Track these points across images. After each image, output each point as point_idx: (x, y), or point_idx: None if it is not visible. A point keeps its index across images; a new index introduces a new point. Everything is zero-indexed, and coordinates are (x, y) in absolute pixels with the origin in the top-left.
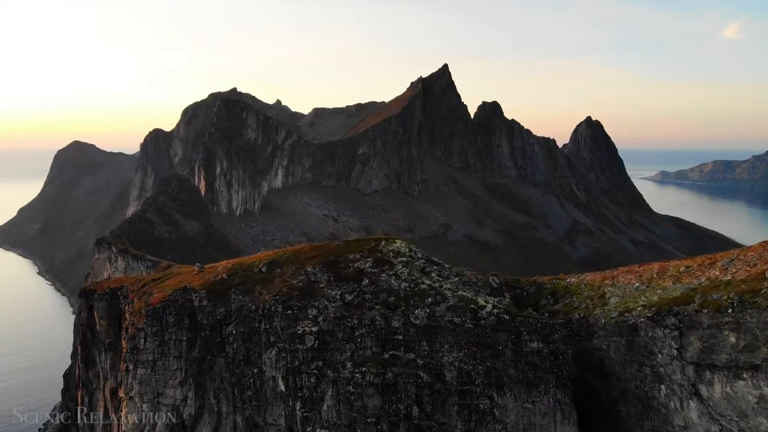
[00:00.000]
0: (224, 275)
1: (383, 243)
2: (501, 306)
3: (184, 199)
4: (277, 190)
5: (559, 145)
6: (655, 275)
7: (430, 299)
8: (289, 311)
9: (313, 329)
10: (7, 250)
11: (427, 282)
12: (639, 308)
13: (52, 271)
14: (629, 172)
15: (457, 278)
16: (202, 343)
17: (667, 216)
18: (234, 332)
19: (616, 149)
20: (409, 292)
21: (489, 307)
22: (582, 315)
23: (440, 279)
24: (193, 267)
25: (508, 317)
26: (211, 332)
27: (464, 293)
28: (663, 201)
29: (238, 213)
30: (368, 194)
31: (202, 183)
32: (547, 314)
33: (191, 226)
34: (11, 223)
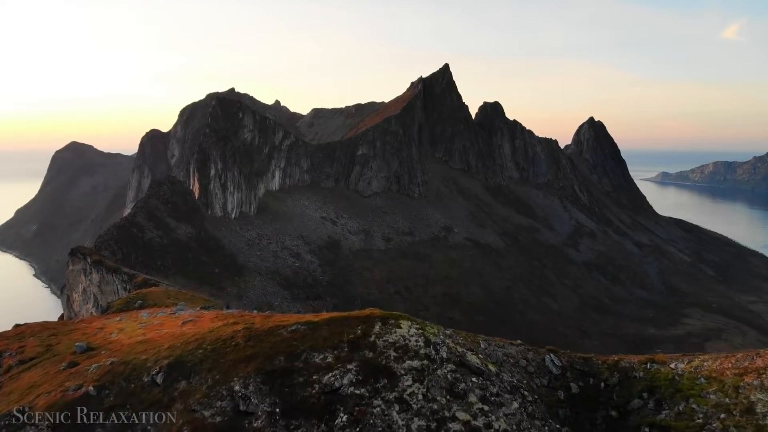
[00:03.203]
0: (91, 387)
1: (377, 328)
2: None
3: (176, 202)
4: (274, 193)
5: (561, 146)
6: None
7: None
8: None
9: None
10: (4, 251)
11: (461, 416)
12: None
13: (49, 273)
14: (630, 173)
15: (516, 404)
16: None
17: (669, 218)
18: None
19: (619, 150)
20: None
21: None
22: None
23: (485, 407)
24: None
25: None
26: None
27: None
28: (664, 202)
29: (233, 216)
30: (368, 196)
31: (196, 185)
32: (647, 431)
33: (183, 230)
34: (8, 225)
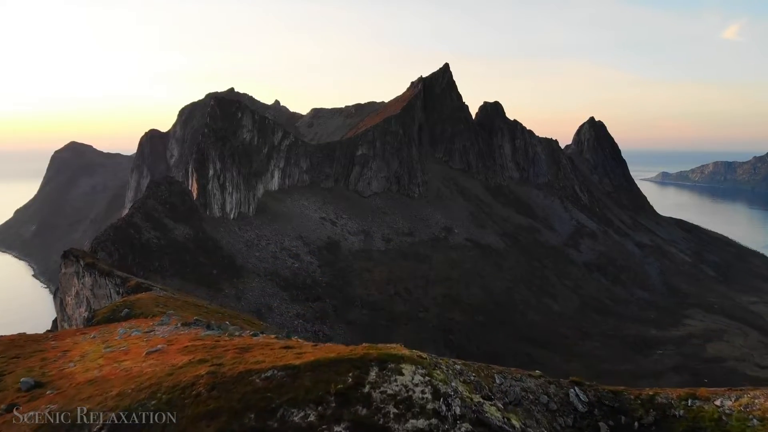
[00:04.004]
0: None
1: (373, 374)
2: None
3: (174, 202)
4: (273, 193)
5: (561, 146)
6: None
7: None
8: None
9: None
10: (3, 251)
11: None
12: None
13: (48, 273)
14: (630, 173)
15: None
16: None
17: (670, 218)
18: None
19: (620, 150)
20: None
21: None
22: None
23: None
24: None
25: None
26: None
27: None
28: (664, 202)
29: (231, 216)
30: (367, 196)
31: (194, 185)
32: None
33: (181, 230)
34: (7, 225)
